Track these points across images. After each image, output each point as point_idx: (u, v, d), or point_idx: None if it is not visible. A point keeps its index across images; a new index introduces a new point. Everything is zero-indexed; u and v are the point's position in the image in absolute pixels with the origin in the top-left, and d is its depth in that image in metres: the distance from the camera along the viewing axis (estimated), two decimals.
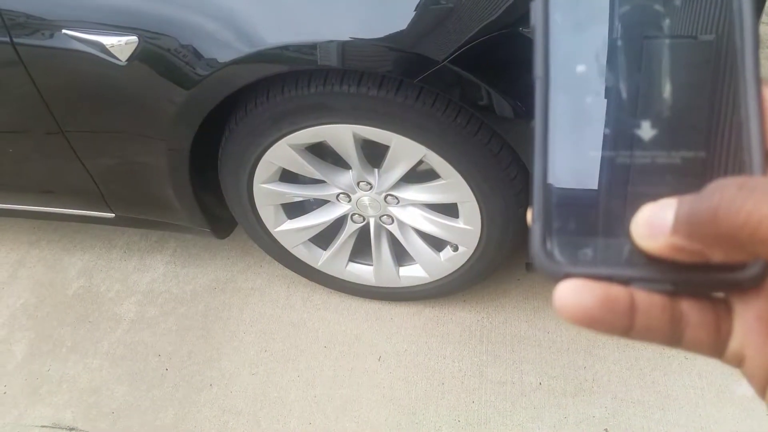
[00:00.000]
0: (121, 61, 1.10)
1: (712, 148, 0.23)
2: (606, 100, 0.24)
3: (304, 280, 1.71)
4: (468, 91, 1.08)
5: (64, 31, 1.12)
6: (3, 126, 1.38)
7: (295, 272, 1.68)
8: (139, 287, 1.79)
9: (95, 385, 1.58)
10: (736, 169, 0.23)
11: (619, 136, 0.24)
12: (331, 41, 1.04)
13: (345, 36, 1.03)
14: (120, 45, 1.08)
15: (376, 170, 1.34)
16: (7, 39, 1.15)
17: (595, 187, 0.24)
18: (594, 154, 0.24)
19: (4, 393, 1.59)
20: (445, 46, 1.03)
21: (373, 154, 1.31)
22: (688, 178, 0.23)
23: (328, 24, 1.05)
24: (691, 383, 1.44)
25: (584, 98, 0.24)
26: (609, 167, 0.24)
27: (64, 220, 1.65)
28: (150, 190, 1.43)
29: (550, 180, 0.24)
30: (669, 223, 0.21)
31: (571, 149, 0.24)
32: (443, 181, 1.26)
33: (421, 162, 1.25)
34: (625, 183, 0.23)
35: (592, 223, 0.23)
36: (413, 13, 1.03)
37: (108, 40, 1.08)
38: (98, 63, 1.11)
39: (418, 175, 1.34)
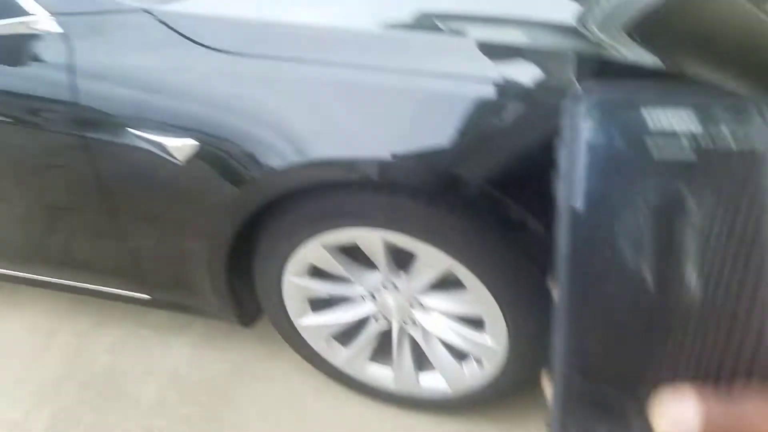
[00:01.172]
0: (179, 161, 1.19)
1: (733, 336, 0.23)
2: (631, 290, 0.24)
3: (322, 374, 1.70)
4: (501, 211, 1.12)
5: (128, 129, 1.23)
6: (59, 202, 1.49)
7: (313, 366, 1.67)
8: (162, 369, 1.80)
9: None
10: (757, 366, 0.23)
11: (642, 326, 0.24)
12: (373, 159, 1.11)
13: (386, 153, 1.11)
14: (179, 147, 1.17)
15: (402, 273, 1.36)
16: (79, 132, 1.27)
17: (616, 376, 0.24)
18: (616, 346, 0.24)
19: None
20: (481, 167, 1.08)
21: (402, 257, 1.34)
22: (705, 366, 0.23)
23: (371, 141, 1.13)
24: None
25: (608, 287, 0.25)
26: (631, 358, 0.24)
27: (101, 297, 1.71)
28: (188, 277, 1.48)
29: (571, 369, 0.24)
30: (693, 422, 0.22)
31: (593, 340, 0.24)
32: (469, 294, 1.28)
33: (450, 272, 1.27)
34: (645, 373, 0.24)
35: (609, 411, 0.24)
36: (453, 133, 1.09)
37: (169, 141, 1.18)
38: (157, 160, 1.21)
39: (447, 283, 1.36)
